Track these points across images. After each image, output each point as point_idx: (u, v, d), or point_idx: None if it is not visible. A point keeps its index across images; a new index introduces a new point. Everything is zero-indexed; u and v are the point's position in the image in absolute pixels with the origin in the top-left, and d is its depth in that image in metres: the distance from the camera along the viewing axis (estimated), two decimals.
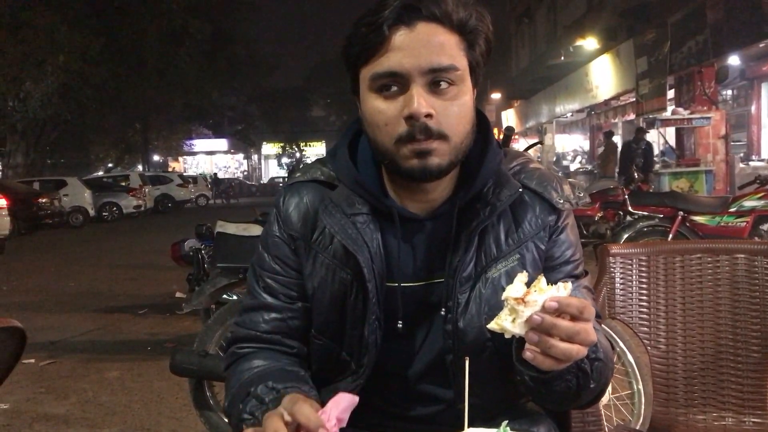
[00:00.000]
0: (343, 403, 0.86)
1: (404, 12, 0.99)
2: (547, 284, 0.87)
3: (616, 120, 18.20)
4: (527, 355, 0.88)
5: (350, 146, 1.16)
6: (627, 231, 5.11)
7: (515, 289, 0.87)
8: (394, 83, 1.00)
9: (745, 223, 4.75)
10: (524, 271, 0.90)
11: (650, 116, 11.78)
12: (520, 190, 1.10)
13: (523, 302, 0.85)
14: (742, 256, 1.80)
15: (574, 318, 0.86)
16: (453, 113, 1.02)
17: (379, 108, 1.02)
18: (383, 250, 1.09)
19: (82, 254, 11.61)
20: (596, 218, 6.14)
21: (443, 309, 1.09)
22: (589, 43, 15.04)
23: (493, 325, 0.88)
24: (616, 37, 14.15)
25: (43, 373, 4.33)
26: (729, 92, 15.10)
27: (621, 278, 1.86)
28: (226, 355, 1.20)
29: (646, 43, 12.50)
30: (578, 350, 0.87)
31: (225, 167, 51.96)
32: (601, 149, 14.83)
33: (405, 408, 1.15)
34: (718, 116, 11.38)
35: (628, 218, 5.36)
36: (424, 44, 0.99)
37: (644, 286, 1.85)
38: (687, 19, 11.09)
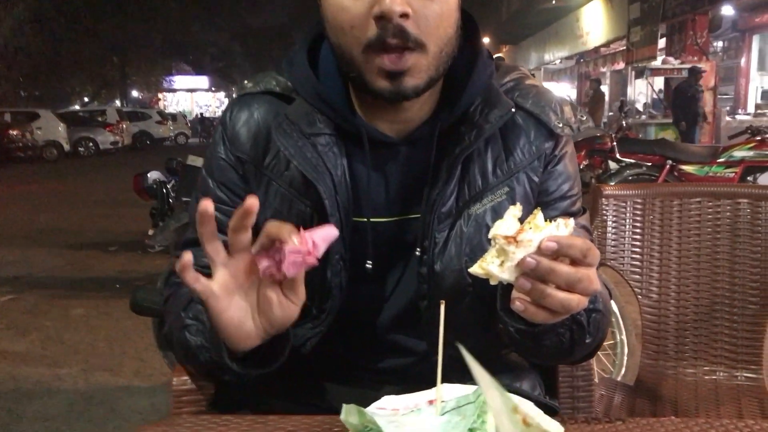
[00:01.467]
0: (320, 230, 0.73)
1: None
2: (545, 221, 0.71)
3: (605, 69, 17.92)
4: (516, 305, 0.73)
5: (311, 54, 0.97)
6: (613, 179, 4.98)
7: (506, 225, 0.71)
8: None
9: (733, 174, 4.65)
10: (517, 204, 0.74)
11: (640, 65, 11.54)
12: (513, 110, 0.93)
13: (515, 241, 0.70)
14: (746, 201, 1.65)
15: (575, 262, 0.71)
16: (433, 13, 0.83)
17: (343, 4, 0.83)
18: (349, 179, 0.93)
19: (55, 189, 11.30)
20: (582, 166, 6.02)
21: (418, 249, 0.93)
22: None
23: (476, 269, 0.73)
24: None
25: (3, 308, 4.19)
26: (720, 43, 14.86)
27: (614, 221, 1.72)
28: (165, 288, 1.04)
29: None
30: (578, 301, 0.72)
31: (206, 106, 50.77)
32: (588, 97, 14.61)
33: (373, 359, 1.01)
34: (708, 67, 11.19)
35: (614, 166, 5.23)
36: None
37: (638, 230, 1.71)
38: None
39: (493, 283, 0.73)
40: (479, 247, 0.91)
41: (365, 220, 0.94)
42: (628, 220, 1.72)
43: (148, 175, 4.10)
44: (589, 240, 1.00)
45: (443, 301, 0.72)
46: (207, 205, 0.72)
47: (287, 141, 0.91)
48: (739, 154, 4.75)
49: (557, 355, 0.90)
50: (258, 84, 1.00)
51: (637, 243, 1.71)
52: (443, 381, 0.98)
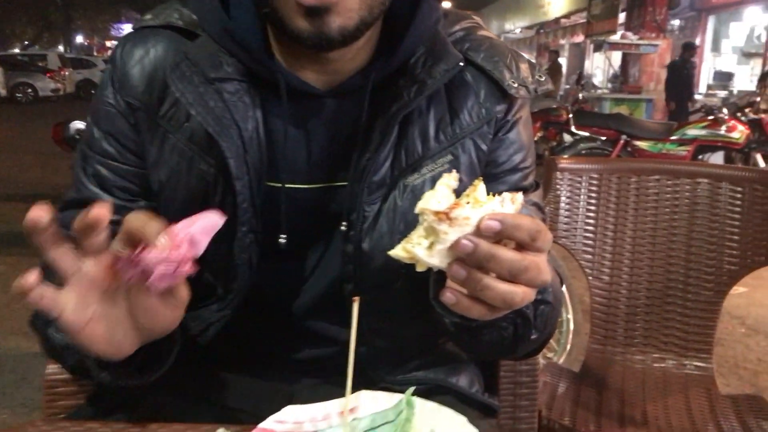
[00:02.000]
0: (200, 221, 0.59)
1: None
2: (488, 195, 0.57)
3: (564, 41, 17.94)
4: (447, 297, 0.59)
5: None
6: (567, 152, 4.91)
7: (437, 197, 0.57)
8: None
9: (686, 152, 4.64)
10: (453, 172, 0.59)
11: (599, 38, 11.53)
12: (462, 64, 0.78)
13: (448, 218, 0.55)
14: (705, 181, 1.56)
15: (522, 246, 0.57)
16: None
17: None
18: (263, 136, 0.77)
19: None
20: (536, 138, 5.93)
21: (344, 223, 0.78)
22: None
23: (398, 252, 0.58)
24: None
25: None
26: (677, 22, 15.02)
27: (567, 197, 1.60)
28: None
29: None
30: (524, 294, 0.58)
31: None
32: (546, 68, 14.59)
33: (288, 349, 0.87)
34: (665, 45, 11.28)
35: (569, 139, 5.16)
36: None
37: (592, 207, 1.60)
38: None
39: (419, 269, 0.59)
40: (414, 223, 0.76)
41: (280, 185, 0.78)
42: (582, 196, 1.60)
43: (70, 124, 3.76)
44: (541, 220, 0.87)
45: (357, 298, 0.57)
46: (99, 212, 0.53)
47: (185, 86, 0.74)
48: (692, 132, 4.73)
49: (498, 351, 0.79)
50: (158, 16, 0.81)
51: (591, 221, 1.60)
52: (372, 369, 0.84)
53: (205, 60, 0.75)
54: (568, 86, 14.30)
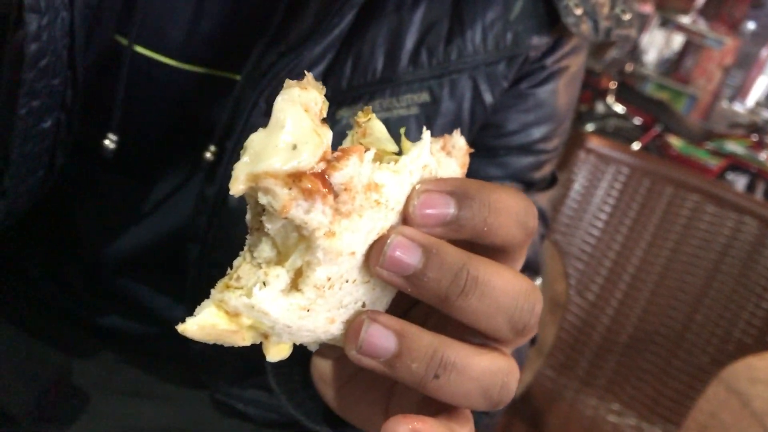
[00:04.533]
0: None
1: None
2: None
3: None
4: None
5: None
6: (593, 121, 4.49)
7: (283, 142, 0.22)
8: None
9: (716, 166, 4.24)
10: (307, 76, 0.24)
11: (669, 13, 10.74)
12: None
13: (328, 191, 0.22)
14: (755, 222, 1.22)
15: (492, 248, 0.27)
16: None
17: None
18: None
19: None
20: None
21: (212, 147, 0.46)
22: None
23: (204, 319, 0.23)
24: None
25: None
26: (752, 26, 14.16)
27: (583, 185, 1.26)
28: None
29: None
30: (510, 370, 0.28)
31: None
32: None
33: (92, 310, 0.57)
34: (732, 45, 10.55)
35: (601, 109, 4.72)
36: None
37: (608, 207, 1.26)
38: None
39: (273, 357, 0.26)
40: None
41: (126, 45, 0.43)
42: (601, 191, 1.26)
43: None
44: (539, 237, 0.54)
45: None
46: None
47: None
48: (730, 147, 4.32)
49: None
50: None
51: (600, 223, 1.26)
52: (204, 374, 0.55)
53: None
54: (616, 56, 13.55)
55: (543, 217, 0.54)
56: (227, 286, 0.24)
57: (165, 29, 0.46)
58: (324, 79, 0.45)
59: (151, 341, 0.56)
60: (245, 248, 0.25)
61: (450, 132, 0.46)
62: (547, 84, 0.49)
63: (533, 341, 0.57)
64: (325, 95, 0.43)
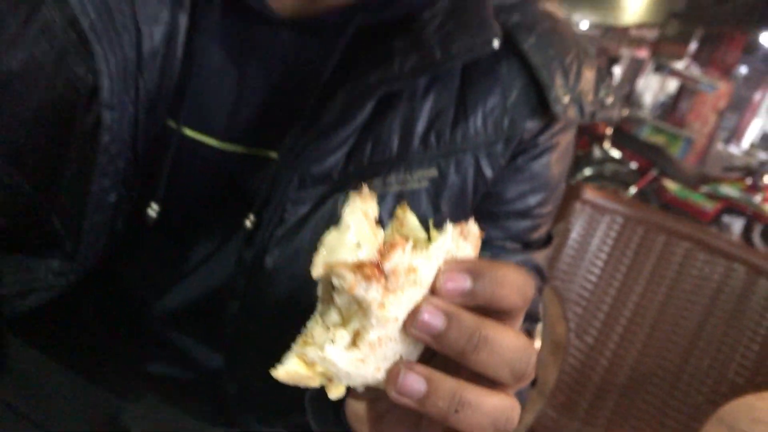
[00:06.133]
0: None
1: None
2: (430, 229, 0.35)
3: (627, 51, 17.29)
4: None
5: None
6: (591, 166, 4.60)
7: (350, 240, 0.31)
8: None
9: (712, 209, 4.33)
10: (365, 188, 0.34)
11: (663, 60, 11.01)
12: (496, 45, 0.51)
13: (380, 275, 0.31)
14: (743, 268, 1.29)
15: (500, 312, 0.34)
16: None
17: None
18: (179, 54, 0.51)
19: None
20: None
21: (251, 216, 0.53)
22: None
23: (289, 367, 0.33)
24: None
25: None
26: (744, 70, 14.44)
27: (580, 234, 1.33)
28: None
29: None
30: (513, 408, 0.35)
31: None
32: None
33: (140, 357, 0.64)
34: (725, 89, 10.79)
35: (598, 154, 4.84)
36: None
37: (603, 255, 1.33)
38: None
39: (335, 395, 0.34)
40: None
41: (175, 127, 0.51)
42: (596, 239, 1.34)
43: None
44: (537, 289, 0.61)
45: None
46: None
47: None
48: (725, 190, 4.42)
49: None
50: None
51: (596, 270, 1.34)
52: (237, 415, 0.61)
53: None
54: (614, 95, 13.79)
55: (540, 273, 0.61)
56: (305, 343, 0.31)
57: (210, 114, 0.54)
58: (348, 157, 0.52)
59: (191, 385, 0.62)
60: (316, 314, 0.32)
61: (457, 201, 0.54)
62: (540, 158, 0.57)
63: (533, 383, 0.63)
64: (350, 171, 0.51)
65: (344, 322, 0.32)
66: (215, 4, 0.50)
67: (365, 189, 0.32)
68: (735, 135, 13.49)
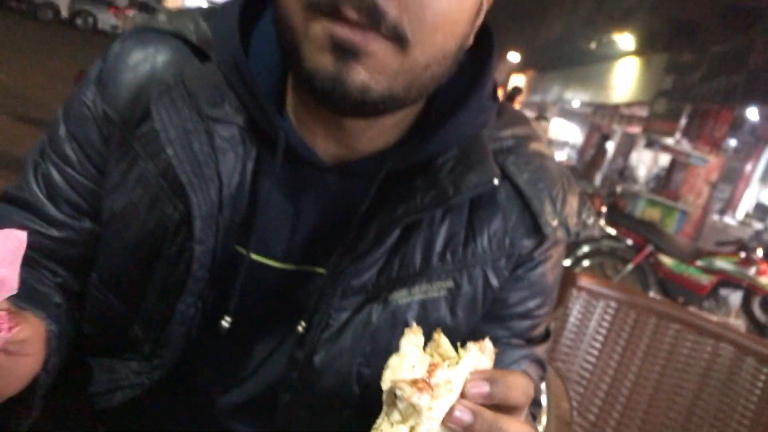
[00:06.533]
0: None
1: None
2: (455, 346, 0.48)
3: (618, 128, 17.82)
4: None
5: (250, 18, 0.66)
6: (588, 245, 4.74)
7: (407, 362, 0.45)
8: None
9: (708, 282, 4.45)
10: (414, 325, 0.48)
11: (654, 135, 11.39)
12: (496, 183, 0.64)
13: (429, 387, 0.43)
14: (730, 348, 1.40)
15: (508, 408, 0.47)
16: (437, 6, 0.53)
17: None
18: (247, 195, 0.64)
19: (30, 50, 10.59)
20: None
21: (302, 323, 0.65)
22: (625, 40, 14.37)
23: None
24: (652, 45, 13.51)
25: None
26: (733, 143, 14.84)
27: (578, 318, 1.45)
28: None
29: (680, 62, 11.95)
30: None
31: None
32: (592, 149, 14.46)
33: None
34: (716, 162, 11.10)
35: (594, 230, 5.00)
36: None
37: (600, 338, 1.45)
38: (729, 54, 10.56)
39: None
40: (385, 349, 0.63)
41: (245, 253, 0.65)
42: (593, 323, 1.46)
43: None
44: (538, 378, 0.73)
45: None
46: None
47: (170, 118, 0.61)
48: (719, 264, 4.55)
49: None
50: (172, 21, 0.68)
51: (594, 351, 1.45)
52: None
53: (205, 91, 0.62)
54: (607, 171, 14.17)
55: (541, 364, 0.74)
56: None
57: (271, 241, 0.67)
58: (379, 273, 0.64)
59: None
60: (383, 413, 0.45)
61: (470, 306, 0.67)
62: (536, 269, 0.70)
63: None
64: (381, 283, 0.64)
65: (404, 420, 0.44)
66: (277, 155, 0.65)
67: (415, 326, 0.46)
68: (729, 206, 13.74)
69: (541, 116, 5.29)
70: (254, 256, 0.66)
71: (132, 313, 0.68)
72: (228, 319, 0.65)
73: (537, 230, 0.68)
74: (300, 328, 0.65)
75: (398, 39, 0.52)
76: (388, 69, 0.53)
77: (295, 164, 0.64)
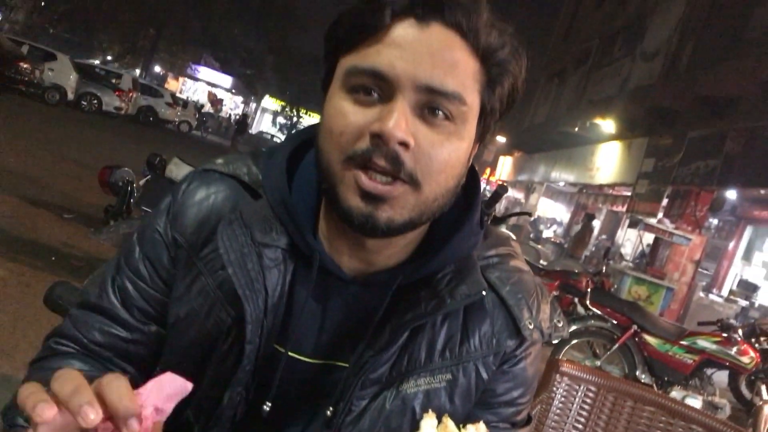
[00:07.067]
0: (167, 388, 0.57)
1: (420, 3, 0.70)
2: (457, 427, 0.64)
3: (603, 206, 18.24)
4: None
5: (295, 158, 0.86)
6: (576, 323, 4.88)
7: None
8: (376, 87, 0.71)
9: (691, 361, 4.57)
10: (429, 412, 0.65)
11: (637, 216, 11.71)
12: (484, 293, 0.81)
13: None
14: (700, 429, 1.54)
15: None
16: (439, 157, 0.73)
17: (344, 110, 0.73)
18: (285, 303, 0.80)
19: (38, 132, 10.95)
20: (551, 296, 5.84)
21: (330, 407, 0.80)
22: (607, 125, 14.99)
23: None
24: (633, 130, 14.11)
25: None
26: (715, 221, 15.21)
27: (561, 401, 1.59)
28: (41, 349, 0.89)
29: (660, 147, 12.46)
30: None
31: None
32: (578, 227, 14.78)
33: None
34: (698, 241, 11.37)
35: (581, 311, 5.15)
36: (432, 52, 0.70)
37: (582, 419, 1.59)
38: (706, 139, 11.05)
39: None
40: (396, 430, 0.80)
41: (283, 351, 0.81)
42: (575, 406, 1.60)
43: (117, 171, 3.91)
44: None
45: None
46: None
47: (231, 244, 0.79)
48: (702, 343, 4.68)
49: None
50: (228, 164, 0.88)
51: None
52: None
53: (257, 223, 0.80)
54: (593, 249, 14.42)
55: None
56: None
57: (303, 340, 0.83)
58: (392, 367, 0.80)
59: None
60: None
61: (465, 395, 0.83)
62: (519, 364, 0.87)
63: None
64: (393, 376, 0.80)
65: None
66: (312, 271, 0.81)
67: (431, 412, 0.62)
68: (714, 283, 13.96)
69: (527, 213, 5.62)
70: (291, 353, 0.82)
71: (186, 401, 0.83)
72: (268, 404, 0.81)
73: (518, 332, 0.85)
74: (328, 413, 0.80)
75: (413, 182, 0.72)
76: (407, 204, 0.73)
77: (325, 277, 0.81)
